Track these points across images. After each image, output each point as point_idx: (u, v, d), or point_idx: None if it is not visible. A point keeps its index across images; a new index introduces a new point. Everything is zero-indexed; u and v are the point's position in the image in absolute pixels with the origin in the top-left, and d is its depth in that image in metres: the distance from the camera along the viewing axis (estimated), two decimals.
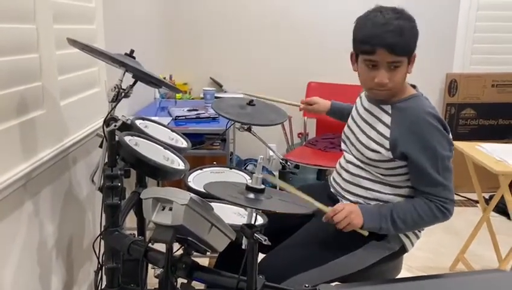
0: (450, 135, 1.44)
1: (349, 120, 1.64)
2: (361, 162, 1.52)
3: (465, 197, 3.63)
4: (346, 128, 1.64)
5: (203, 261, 2.41)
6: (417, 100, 1.46)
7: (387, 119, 1.46)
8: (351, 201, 1.55)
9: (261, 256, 1.34)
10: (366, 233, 1.44)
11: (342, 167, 1.60)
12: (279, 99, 1.94)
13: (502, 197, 2.19)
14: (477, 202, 3.38)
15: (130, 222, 1.91)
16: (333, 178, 1.66)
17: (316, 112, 1.95)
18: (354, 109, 1.65)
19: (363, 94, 1.62)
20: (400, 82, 1.42)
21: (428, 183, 1.41)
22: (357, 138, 1.54)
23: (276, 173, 3.67)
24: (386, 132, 1.45)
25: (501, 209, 3.08)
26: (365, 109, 1.56)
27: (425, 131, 1.39)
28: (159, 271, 1.17)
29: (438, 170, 1.39)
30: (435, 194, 1.41)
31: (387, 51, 1.34)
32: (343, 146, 1.64)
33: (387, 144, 1.44)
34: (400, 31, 1.34)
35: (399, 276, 1.66)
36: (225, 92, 3.61)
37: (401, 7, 1.41)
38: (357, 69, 1.47)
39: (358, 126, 1.56)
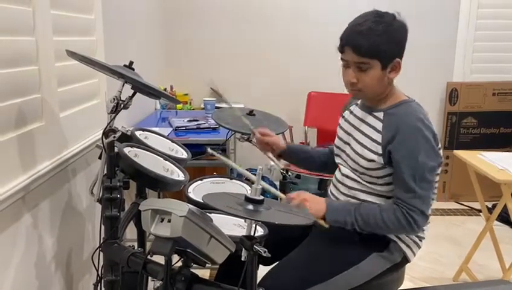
0: (439, 145, 1.42)
1: (341, 133, 1.61)
2: (356, 173, 1.50)
3: (467, 206, 3.61)
4: (338, 142, 1.62)
5: (205, 272, 2.41)
6: (408, 106, 1.45)
7: (379, 125, 1.46)
8: None
9: (261, 267, 1.33)
10: (326, 225, 1.39)
11: (338, 181, 1.59)
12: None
13: (505, 206, 2.17)
14: (479, 211, 3.36)
15: (131, 233, 1.90)
16: (330, 191, 1.64)
17: (271, 144, 1.73)
18: (343, 122, 1.62)
19: (353, 106, 1.61)
20: (370, 85, 1.41)
21: (401, 187, 1.39)
22: (353, 149, 1.52)
23: (277, 183, 3.66)
24: (378, 137, 1.44)
25: (504, 218, 3.06)
26: (358, 118, 1.55)
27: (412, 136, 1.37)
28: (158, 284, 1.16)
29: (415, 177, 1.36)
30: (404, 200, 1.38)
31: (353, 51, 1.37)
32: (337, 160, 1.62)
33: (380, 149, 1.42)
34: (367, 33, 1.35)
35: (402, 287, 1.64)
36: (226, 102, 3.60)
37: (395, 13, 1.41)
38: None
39: (353, 137, 1.54)
